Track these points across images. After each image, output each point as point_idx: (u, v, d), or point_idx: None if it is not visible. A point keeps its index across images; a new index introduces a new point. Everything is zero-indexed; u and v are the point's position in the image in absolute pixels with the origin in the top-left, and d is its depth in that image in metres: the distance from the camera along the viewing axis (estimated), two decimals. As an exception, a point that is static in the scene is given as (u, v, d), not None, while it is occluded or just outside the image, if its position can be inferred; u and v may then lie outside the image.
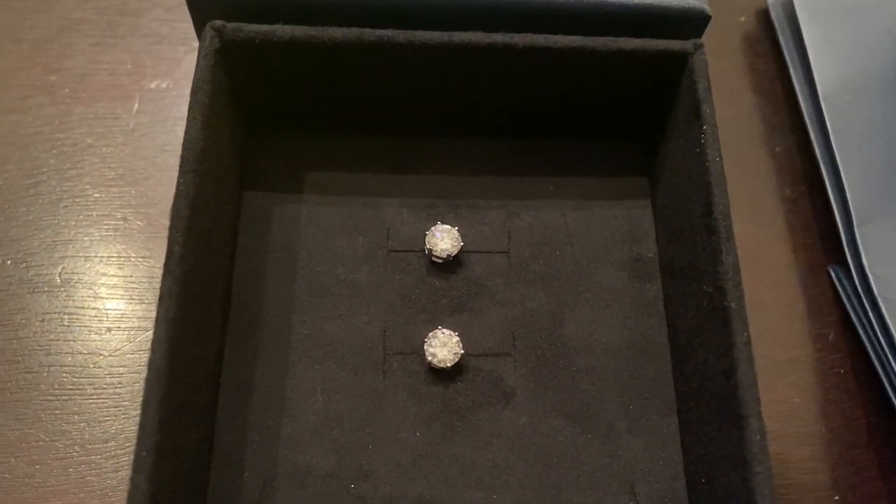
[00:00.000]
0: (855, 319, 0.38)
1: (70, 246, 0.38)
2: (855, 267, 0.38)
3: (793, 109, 0.43)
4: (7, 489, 0.33)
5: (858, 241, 0.38)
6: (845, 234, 0.39)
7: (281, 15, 0.32)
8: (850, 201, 0.39)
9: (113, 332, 0.36)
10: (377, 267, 0.35)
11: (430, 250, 0.34)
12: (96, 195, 0.39)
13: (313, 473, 0.31)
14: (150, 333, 0.27)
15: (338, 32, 0.31)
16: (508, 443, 0.32)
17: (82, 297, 0.37)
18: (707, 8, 0.33)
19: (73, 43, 0.43)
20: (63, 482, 0.33)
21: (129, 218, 0.39)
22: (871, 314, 0.37)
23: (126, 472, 0.33)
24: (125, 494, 0.25)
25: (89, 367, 0.36)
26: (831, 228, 0.39)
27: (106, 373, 0.36)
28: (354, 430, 0.32)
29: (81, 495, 0.33)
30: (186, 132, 0.30)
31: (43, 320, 0.36)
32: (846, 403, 0.37)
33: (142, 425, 0.25)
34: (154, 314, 0.27)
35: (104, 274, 0.38)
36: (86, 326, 0.36)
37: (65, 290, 0.37)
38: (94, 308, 0.37)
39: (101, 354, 0.36)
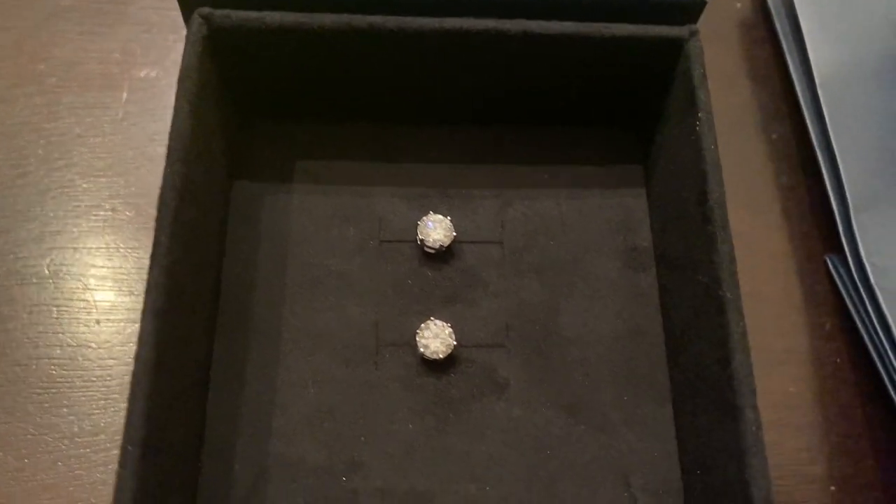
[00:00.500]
0: (852, 309, 0.37)
1: (58, 237, 0.38)
2: (852, 256, 0.37)
3: (789, 96, 0.43)
4: (-4, 483, 0.33)
5: (855, 229, 0.38)
6: (842, 222, 0.38)
7: (269, 1, 0.31)
8: (847, 189, 0.38)
9: (102, 324, 0.36)
10: (369, 257, 0.34)
11: (422, 240, 0.34)
12: (85, 185, 0.39)
13: (305, 466, 0.31)
14: (139, 325, 0.26)
15: (327, 19, 0.31)
16: (502, 435, 0.32)
17: (71, 288, 0.37)
18: (703, -7, 0.33)
19: (61, 31, 0.42)
20: (52, 476, 0.33)
21: (118, 208, 0.38)
22: (867, 303, 0.36)
23: (116, 466, 0.33)
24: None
25: (78, 360, 0.35)
26: (828, 217, 0.39)
27: (95, 365, 0.35)
28: (346, 422, 0.31)
29: (71, 489, 0.33)
30: (174, 121, 0.29)
31: (31, 312, 0.36)
32: (843, 393, 0.37)
33: (128, 419, 0.25)
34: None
35: (93, 265, 0.37)
36: (74, 318, 0.36)
37: (53, 282, 0.37)
38: (82, 300, 0.36)
39: (90, 347, 0.36)
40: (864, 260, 0.37)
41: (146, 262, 0.37)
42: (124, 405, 0.32)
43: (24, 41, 0.42)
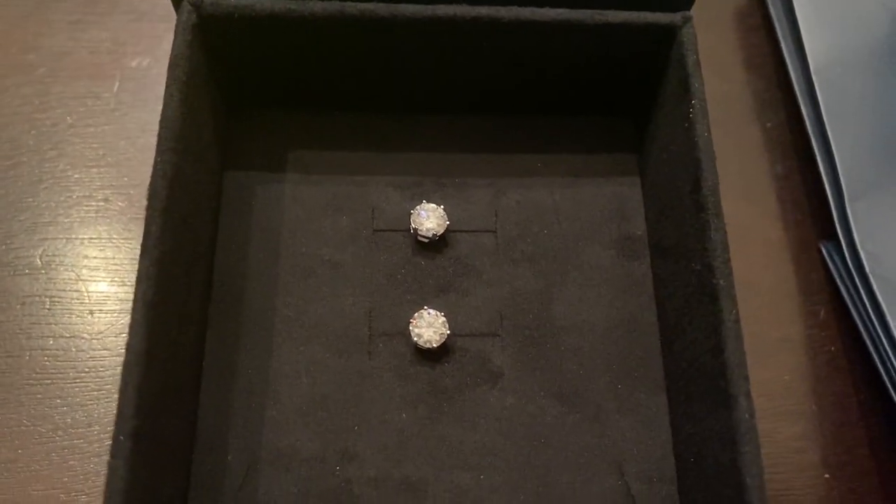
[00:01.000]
0: (846, 296, 0.37)
1: (50, 228, 0.37)
2: (846, 243, 0.37)
3: (784, 84, 0.43)
4: (-11, 474, 0.33)
5: (850, 217, 0.37)
6: (836, 210, 0.38)
7: (260, -11, 0.31)
8: (842, 177, 0.38)
9: (95, 314, 0.36)
10: (362, 247, 0.34)
11: (415, 230, 0.34)
12: (77, 176, 0.39)
13: (298, 456, 0.31)
14: (131, 316, 0.26)
15: (318, 6, 0.31)
16: (496, 423, 0.32)
17: (64, 279, 0.37)
18: (696, -20, 0.32)
19: (51, 20, 0.42)
20: (46, 467, 0.33)
21: (111, 199, 0.38)
22: (862, 291, 0.36)
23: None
24: (107, 479, 0.24)
25: (71, 351, 0.35)
26: (822, 204, 0.39)
27: (88, 356, 0.35)
28: (340, 412, 0.31)
29: (65, 479, 0.33)
30: (164, 110, 0.29)
31: (24, 303, 0.36)
32: (837, 381, 0.37)
33: (120, 410, 0.25)
34: (135, 297, 0.26)
35: (86, 256, 0.37)
36: (67, 309, 0.36)
37: (46, 273, 0.37)
38: (75, 291, 0.36)
39: (83, 338, 0.35)
40: (859, 247, 0.37)
41: (139, 252, 0.37)
42: (117, 397, 0.32)
43: (14, 31, 0.42)
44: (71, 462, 0.33)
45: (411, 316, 0.32)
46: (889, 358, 0.35)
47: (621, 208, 0.36)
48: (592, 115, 0.37)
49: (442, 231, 0.34)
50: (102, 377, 0.35)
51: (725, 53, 0.44)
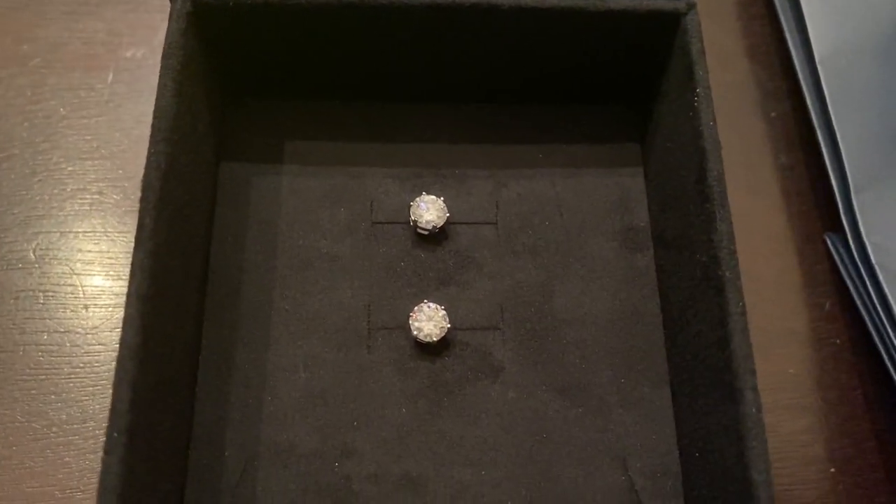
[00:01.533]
0: (851, 288, 0.37)
1: (44, 221, 0.37)
2: (852, 235, 0.37)
3: (789, 74, 0.42)
4: (-17, 471, 0.32)
5: (855, 208, 0.37)
6: (842, 201, 0.38)
7: (255, -24, 0.30)
8: (847, 168, 0.38)
9: (90, 309, 0.35)
10: (360, 239, 0.34)
11: (415, 222, 0.33)
12: (70, 168, 0.38)
13: (296, 452, 0.30)
14: (125, 310, 0.26)
15: (315, -7, 0.30)
16: (497, 418, 0.31)
17: (57, 273, 0.36)
18: (700, -34, 0.32)
19: (45, 11, 0.42)
20: (40, 463, 0.33)
21: (105, 192, 0.38)
22: (868, 283, 0.36)
23: (104, 453, 0.32)
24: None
25: (66, 346, 0.35)
26: (828, 196, 0.39)
27: (83, 351, 0.35)
28: (338, 406, 0.31)
29: (59, 476, 0.32)
30: (158, 100, 0.28)
31: (17, 298, 0.35)
32: (843, 374, 0.36)
33: (113, 405, 0.24)
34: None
35: (80, 250, 0.36)
36: (62, 304, 0.35)
37: (39, 267, 0.36)
38: (70, 285, 0.36)
39: (77, 332, 0.35)
40: (865, 238, 0.36)
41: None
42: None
43: (7, 21, 0.41)
44: (66, 458, 0.33)
45: (411, 309, 0.32)
46: (895, 350, 0.34)
47: (624, 199, 0.35)
48: (594, 104, 0.36)
49: (442, 223, 0.33)
50: (97, 372, 0.34)
51: (729, 43, 0.43)
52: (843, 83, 0.40)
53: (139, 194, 0.28)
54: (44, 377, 0.34)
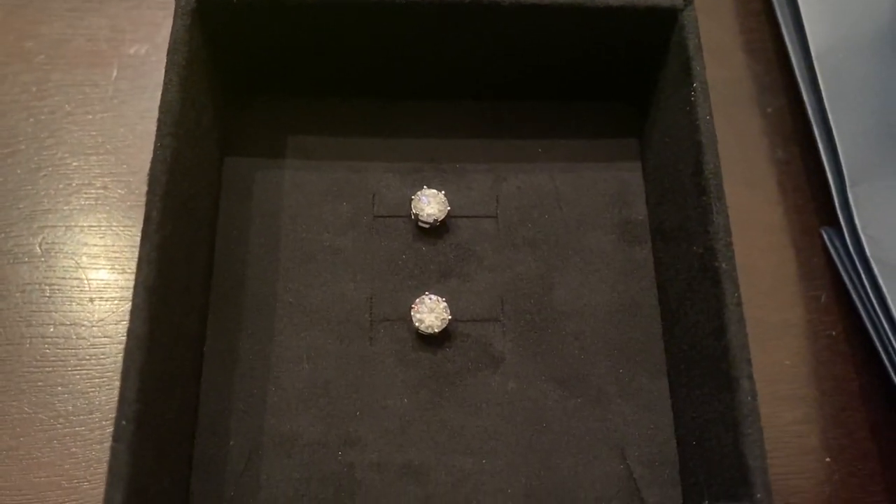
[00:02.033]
0: (847, 281, 0.37)
1: (50, 216, 0.37)
2: (847, 228, 0.37)
3: (785, 69, 0.42)
4: (-9, 462, 0.33)
5: (851, 202, 0.37)
6: (838, 195, 0.38)
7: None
8: (843, 162, 0.38)
9: (95, 302, 0.36)
10: (362, 233, 0.34)
11: (416, 215, 0.34)
12: (75, 164, 0.38)
13: (300, 441, 0.31)
14: (132, 302, 0.26)
15: (318, -10, 0.31)
16: (497, 408, 0.32)
17: (63, 267, 0.36)
18: (697, -37, 0.32)
19: (49, 8, 0.42)
20: (47, 454, 0.33)
21: (110, 186, 0.38)
22: (863, 276, 0.36)
23: (111, 443, 0.33)
24: (109, 465, 0.24)
25: (72, 339, 0.35)
26: (824, 190, 0.39)
27: (89, 343, 0.35)
28: (341, 397, 0.31)
29: (66, 467, 0.33)
30: (163, 95, 0.29)
31: (24, 291, 0.36)
32: (838, 365, 0.37)
33: (121, 394, 0.25)
34: (136, 283, 0.26)
35: (85, 243, 0.37)
36: (68, 297, 0.36)
37: (45, 261, 0.36)
38: (75, 278, 0.36)
39: (83, 325, 0.35)
40: (860, 232, 0.37)
41: (139, 239, 0.37)
42: (119, 383, 0.32)
43: (12, 18, 0.41)
44: (73, 449, 0.33)
45: (412, 301, 0.32)
46: (890, 342, 0.35)
47: (622, 193, 0.35)
48: (593, 99, 0.37)
49: (443, 217, 0.34)
50: (103, 364, 0.35)
51: (725, 38, 0.44)
52: (839, 78, 0.40)
53: (143, 189, 0.28)
54: (50, 369, 0.35)
